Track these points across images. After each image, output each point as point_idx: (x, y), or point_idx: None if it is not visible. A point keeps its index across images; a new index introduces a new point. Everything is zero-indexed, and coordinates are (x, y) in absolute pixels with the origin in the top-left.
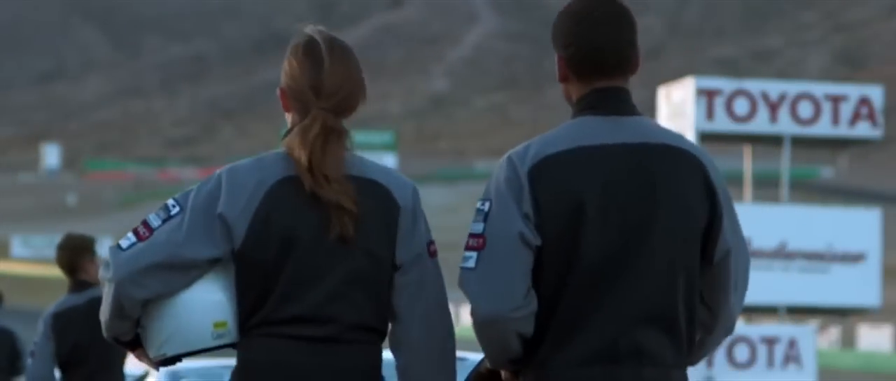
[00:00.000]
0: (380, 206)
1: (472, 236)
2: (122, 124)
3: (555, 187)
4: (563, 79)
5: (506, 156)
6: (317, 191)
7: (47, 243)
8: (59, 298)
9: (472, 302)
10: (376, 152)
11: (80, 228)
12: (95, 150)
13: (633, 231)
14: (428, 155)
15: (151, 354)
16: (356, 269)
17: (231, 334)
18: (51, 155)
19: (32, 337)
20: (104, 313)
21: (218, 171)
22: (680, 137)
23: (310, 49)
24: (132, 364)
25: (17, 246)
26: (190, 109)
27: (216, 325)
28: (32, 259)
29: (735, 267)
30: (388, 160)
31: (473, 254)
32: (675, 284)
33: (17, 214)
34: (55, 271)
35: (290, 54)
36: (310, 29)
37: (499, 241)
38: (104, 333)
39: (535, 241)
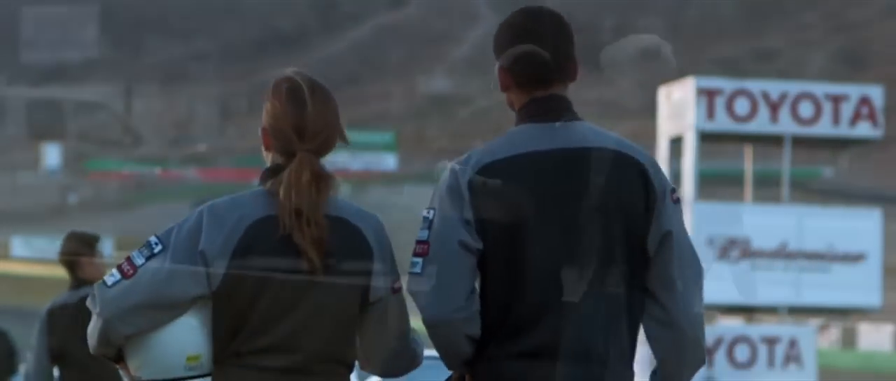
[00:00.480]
0: (350, 244)
1: (418, 242)
2: (123, 124)
3: (494, 194)
4: (505, 88)
5: (449, 165)
6: (292, 233)
7: (48, 243)
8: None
9: (418, 306)
10: (376, 152)
11: (82, 228)
12: (96, 150)
13: (572, 231)
14: (428, 155)
15: (132, 371)
16: (325, 302)
17: (204, 366)
18: (51, 155)
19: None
20: (91, 338)
21: (199, 208)
22: (619, 140)
23: (292, 91)
24: None
25: (17, 246)
26: (190, 109)
27: (189, 358)
28: (33, 259)
29: (678, 254)
30: (388, 160)
31: (419, 260)
32: (617, 280)
33: (18, 214)
34: (56, 272)
35: (273, 95)
36: (291, 71)
37: (441, 247)
38: (91, 351)
39: (477, 245)
